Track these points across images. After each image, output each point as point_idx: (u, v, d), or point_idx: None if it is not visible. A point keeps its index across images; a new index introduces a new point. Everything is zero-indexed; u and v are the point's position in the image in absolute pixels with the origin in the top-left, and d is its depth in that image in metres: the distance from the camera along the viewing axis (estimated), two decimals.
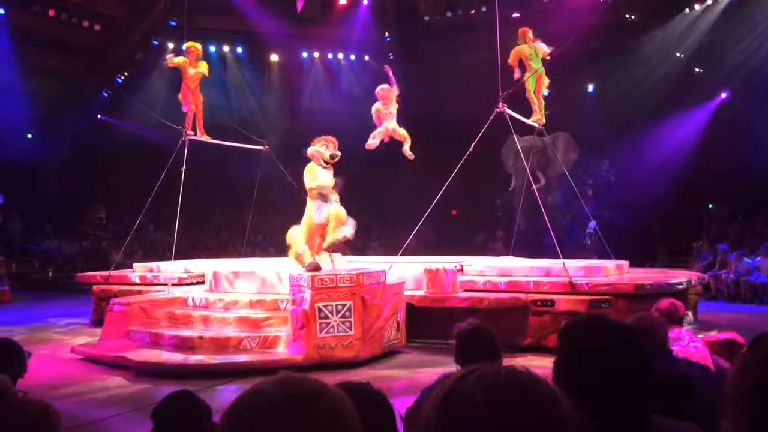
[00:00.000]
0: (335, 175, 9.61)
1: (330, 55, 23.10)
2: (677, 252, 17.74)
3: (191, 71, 12.09)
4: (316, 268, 8.84)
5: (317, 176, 9.29)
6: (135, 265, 13.14)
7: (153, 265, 12.81)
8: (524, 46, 11.28)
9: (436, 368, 7.33)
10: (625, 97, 18.58)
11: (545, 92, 11.58)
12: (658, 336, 3.25)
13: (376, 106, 10.84)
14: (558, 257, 9.96)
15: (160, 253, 17.99)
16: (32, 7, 18.36)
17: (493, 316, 8.57)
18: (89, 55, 20.51)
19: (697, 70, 18.88)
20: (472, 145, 10.78)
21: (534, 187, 14.41)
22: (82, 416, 6.17)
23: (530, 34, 11.34)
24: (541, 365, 6.82)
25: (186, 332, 8.90)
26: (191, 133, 12.18)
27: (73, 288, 15.63)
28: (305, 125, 19.64)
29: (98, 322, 10.96)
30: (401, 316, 9.10)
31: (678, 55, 18.87)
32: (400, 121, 10.87)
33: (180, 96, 12.23)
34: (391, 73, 10.93)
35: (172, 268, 11.90)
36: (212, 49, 21.18)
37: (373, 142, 10.71)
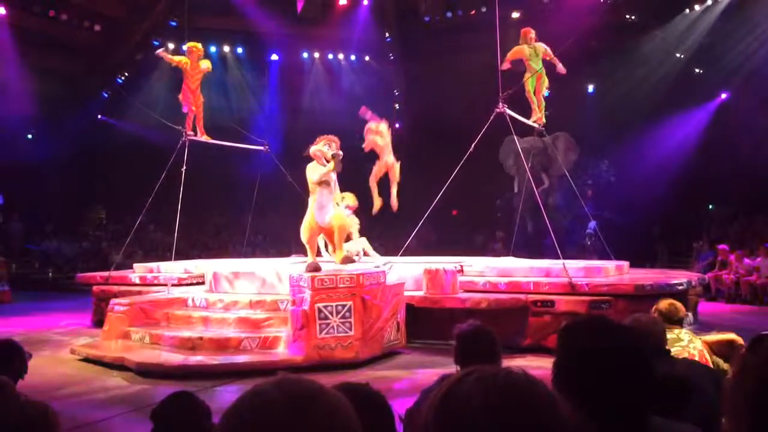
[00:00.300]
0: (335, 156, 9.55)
1: (330, 56, 23.13)
2: (677, 252, 17.75)
3: (202, 65, 12.11)
4: (316, 268, 8.85)
5: (333, 179, 9.36)
6: (135, 265, 13.14)
7: (153, 265, 12.80)
8: (524, 46, 11.27)
9: (435, 369, 7.33)
10: (625, 98, 18.59)
11: (545, 93, 11.57)
12: (656, 336, 3.25)
13: (374, 139, 10.82)
14: (558, 258, 9.96)
15: (160, 253, 18.00)
16: (33, 8, 18.37)
17: (493, 316, 8.57)
18: (90, 55, 20.53)
19: (697, 70, 18.90)
20: (473, 146, 10.78)
21: (539, 189, 14.41)
22: (81, 417, 6.17)
23: (532, 35, 11.33)
24: (541, 366, 6.82)
25: (186, 333, 8.89)
26: (191, 133, 12.18)
27: (73, 288, 15.62)
28: (306, 125, 19.65)
29: (98, 323, 10.96)
30: (401, 316, 9.09)
31: (678, 55, 18.89)
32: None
33: (180, 96, 12.24)
34: (368, 114, 11.03)
35: (172, 269, 11.90)
36: (212, 49, 21.21)
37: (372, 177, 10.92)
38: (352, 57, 23.14)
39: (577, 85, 19.47)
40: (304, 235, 9.37)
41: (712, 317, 10.96)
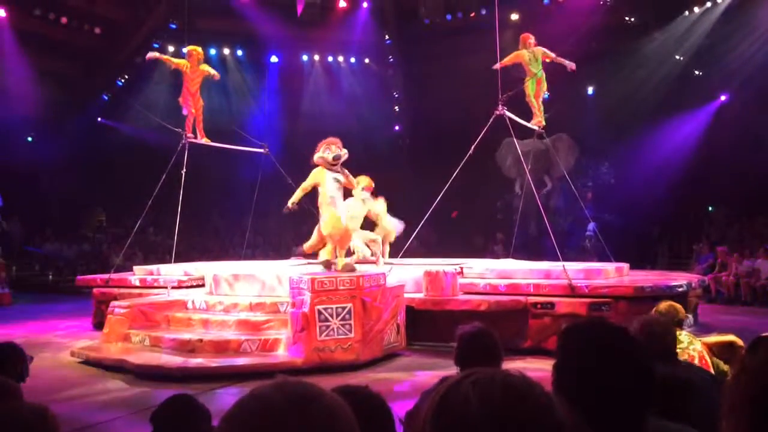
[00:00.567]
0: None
1: (330, 58, 23.14)
2: (677, 254, 17.74)
3: (203, 67, 12.14)
4: (352, 269, 8.98)
5: (326, 181, 9.30)
6: (135, 268, 13.14)
7: (153, 267, 12.81)
8: (524, 51, 11.30)
9: (436, 371, 7.33)
10: (625, 100, 18.59)
11: (544, 96, 11.59)
12: (665, 339, 3.23)
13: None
14: (558, 260, 9.96)
15: (160, 255, 18.00)
16: (33, 11, 18.39)
17: (493, 318, 8.56)
18: (90, 58, 20.54)
19: (696, 72, 18.90)
20: (472, 148, 10.79)
21: (542, 191, 14.39)
22: (81, 419, 6.17)
23: (531, 40, 11.35)
24: (541, 368, 6.82)
25: (186, 335, 8.89)
26: (191, 136, 12.19)
27: (73, 291, 15.61)
28: (305, 128, 19.69)
29: (99, 325, 10.95)
30: (401, 318, 9.09)
31: (678, 57, 18.89)
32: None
33: (180, 99, 12.25)
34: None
35: (172, 271, 11.90)
36: (212, 51, 21.20)
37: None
38: (352, 59, 23.16)
39: (576, 86, 19.48)
40: (330, 230, 9.33)
41: (711, 319, 10.95)
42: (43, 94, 18.95)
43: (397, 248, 11.42)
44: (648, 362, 1.65)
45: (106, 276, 12.67)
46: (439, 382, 1.26)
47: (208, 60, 14.05)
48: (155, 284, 11.72)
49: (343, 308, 8.30)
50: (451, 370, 2.96)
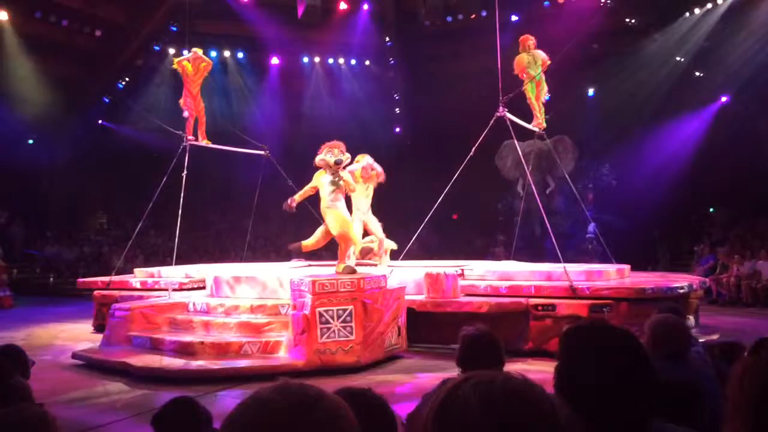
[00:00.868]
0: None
1: (330, 60, 23.16)
2: (678, 256, 17.74)
3: (203, 64, 12.19)
4: (352, 271, 9.05)
5: (324, 184, 9.32)
6: (136, 270, 13.15)
7: (154, 270, 12.82)
8: (523, 55, 11.32)
9: (437, 373, 7.32)
10: (626, 101, 18.60)
11: (545, 98, 11.59)
12: (675, 340, 3.22)
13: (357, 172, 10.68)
14: (559, 261, 9.95)
15: (161, 258, 18.00)
16: (34, 13, 18.42)
17: (494, 320, 8.57)
18: (90, 60, 20.56)
19: (697, 73, 18.90)
20: (473, 149, 10.78)
21: (547, 191, 14.35)
22: (83, 422, 6.17)
23: (530, 43, 11.35)
24: (543, 370, 6.82)
25: (187, 337, 8.89)
26: (192, 138, 12.21)
27: (74, 293, 15.62)
28: (306, 130, 19.71)
29: (100, 328, 10.97)
30: (402, 320, 9.09)
31: (678, 58, 18.89)
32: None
33: (181, 101, 12.27)
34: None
35: (173, 274, 11.90)
36: (213, 54, 21.21)
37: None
38: (353, 61, 23.18)
39: (577, 88, 19.51)
40: (347, 232, 9.44)
41: (713, 321, 10.94)
42: (44, 97, 18.98)
43: (397, 250, 11.42)
44: (650, 365, 1.65)
45: (107, 278, 12.68)
46: (439, 385, 1.26)
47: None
48: (156, 287, 11.72)
49: (344, 310, 8.29)
50: (453, 371, 2.96)
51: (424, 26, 21.63)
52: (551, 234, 10.35)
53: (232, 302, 9.79)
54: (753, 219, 17.19)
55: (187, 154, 11.96)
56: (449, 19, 21.12)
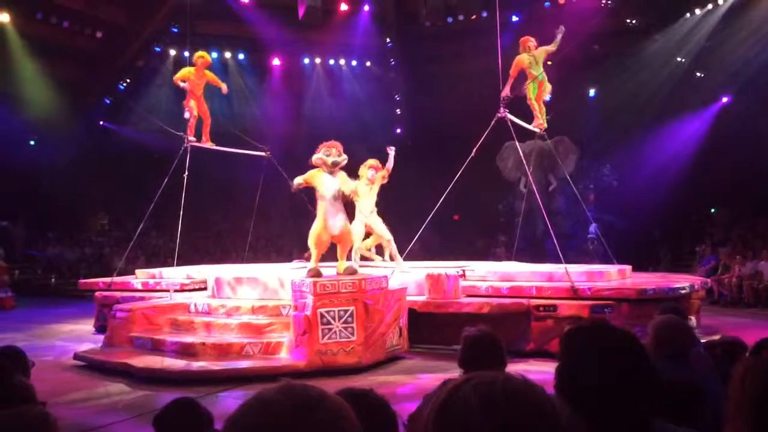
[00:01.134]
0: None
1: (331, 61, 23.17)
2: (680, 256, 17.72)
3: (209, 76, 12.21)
4: (317, 274, 8.84)
5: (320, 182, 9.25)
6: (137, 271, 13.16)
7: (155, 271, 12.83)
8: (523, 56, 11.27)
9: (438, 374, 7.32)
10: (627, 102, 18.59)
11: (546, 98, 11.58)
12: (678, 340, 3.22)
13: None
14: (560, 262, 9.95)
15: (163, 259, 18.01)
16: (35, 15, 18.44)
17: (496, 321, 8.56)
18: (91, 61, 20.58)
19: (698, 74, 18.90)
20: (474, 150, 10.78)
21: (550, 188, 14.30)
22: (84, 423, 6.17)
23: (530, 44, 11.34)
24: (544, 370, 6.81)
25: (188, 338, 8.89)
26: (193, 139, 12.23)
27: (75, 294, 15.64)
28: (307, 131, 19.70)
29: (101, 329, 10.98)
30: (403, 321, 9.09)
31: (679, 59, 18.89)
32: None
33: (185, 102, 12.26)
34: (392, 155, 10.76)
35: (174, 275, 11.91)
36: (214, 55, 21.21)
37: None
38: (353, 62, 23.20)
39: (578, 89, 19.50)
40: (312, 239, 9.34)
41: (714, 321, 10.93)
42: (46, 98, 19.00)
43: (399, 251, 11.41)
44: (651, 366, 1.64)
45: (108, 279, 12.69)
46: (440, 385, 1.26)
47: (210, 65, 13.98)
48: (157, 287, 11.74)
49: (346, 311, 8.29)
50: (454, 372, 2.95)
51: (425, 27, 21.65)
52: (552, 234, 10.35)
53: (234, 303, 9.80)
54: (754, 219, 17.17)
55: (188, 155, 11.97)
56: (450, 19, 21.13)
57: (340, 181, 9.26)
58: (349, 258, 10.18)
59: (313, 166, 9.34)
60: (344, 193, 9.32)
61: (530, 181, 12.32)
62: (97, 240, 21.39)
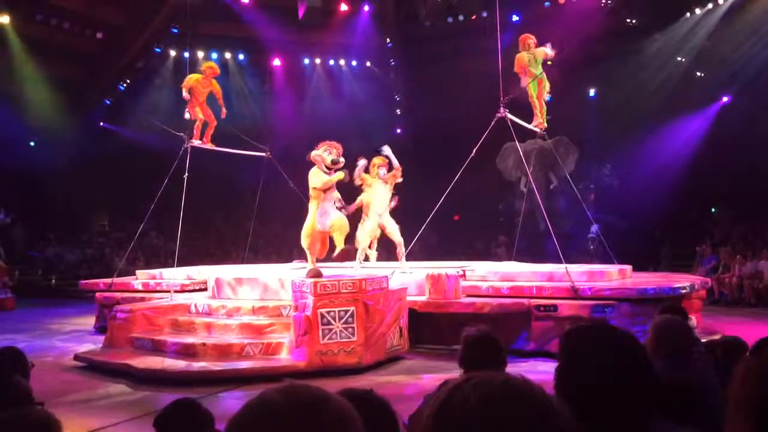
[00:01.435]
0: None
1: (331, 61, 23.17)
2: (680, 256, 17.69)
3: (215, 87, 12.30)
4: (318, 274, 8.85)
5: (321, 180, 9.28)
6: (138, 272, 13.16)
7: (156, 272, 12.83)
8: (523, 54, 11.29)
9: (439, 374, 7.32)
10: (627, 101, 18.58)
11: (547, 97, 11.58)
12: (677, 341, 3.22)
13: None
14: (561, 262, 9.94)
15: (163, 259, 18.01)
16: (35, 16, 18.45)
17: (496, 321, 8.58)
18: (91, 62, 20.60)
19: (698, 73, 18.89)
20: (474, 150, 10.78)
21: (551, 187, 14.27)
22: (85, 424, 6.17)
23: (530, 42, 11.35)
24: (544, 370, 6.82)
25: (189, 339, 8.90)
26: (198, 142, 12.26)
27: (76, 295, 15.64)
28: (307, 131, 19.68)
29: (102, 329, 10.98)
30: (404, 321, 9.09)
31: (679, 59, 18.89)
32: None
33: (188, 107, 12.24)
34: (390, 155, 10.63)
35: (174, 275, 11.91)
36: (214, 55, 21.26)
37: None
38: (353, 62, 23.20)
39: (578, 89, 19.49)
40: (304, 240, 9.36)
41: (715, 321, 10.92)
42: (46, 99, 19.01)
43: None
44: (651, 365, 1.64)
45: (109, 280, 12.70)
46: (440, 386, 1.26)
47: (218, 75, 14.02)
48: (158, 288, 11.75)
49: (346, 311, 8.30)
50: (455, 372, 2.96)
51: (425, 27, 21.65)
52: (553, 234, 10.35)
53: (234, 304, 9.80)
54: (755, 219, 17.15)
55: (188, 156, 11.98)
56: (450, 19, 21.13)
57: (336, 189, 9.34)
58: (351, 258, 10.19)
59: (311, 163, 9.37)
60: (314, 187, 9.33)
61: (530, 180, 12.31)
62: (98, 241, 21.39)
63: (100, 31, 19.92)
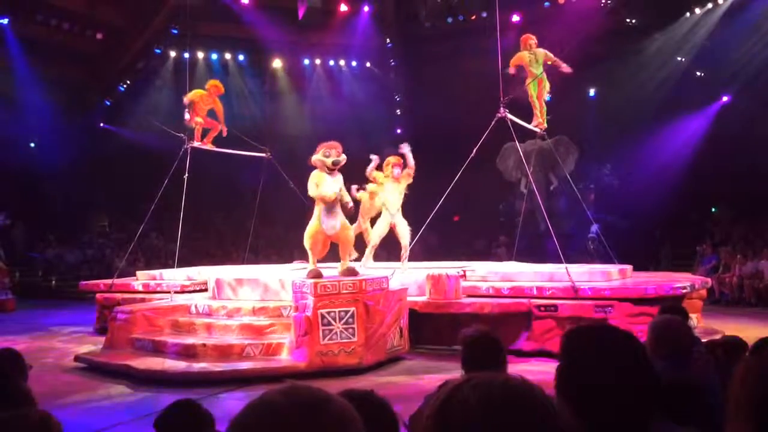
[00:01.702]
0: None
1: (331, 62, 23.17)
2: (680, 256, 17.68)
3: (217, 104, 12.37)
4: (318, 275, 8.84)
5: (322, 183, 9.21)
6: (138, 272, 13.15)
7: (156, 272, 12.82)
8: (524, 53, 11.28)
9: (439, 374, 7.32)
10: (627, 101, 18.59)
11: (547, 97, 11.58)
12: (677, 341, 3.22)
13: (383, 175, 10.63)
14: (561, 262, 9.94)
15: (163, 260, 18.01)
16: (35, 17, 18.45)
17: (497, 321, 8.58)
18: (91, 63, 20.61)
19: (698, 73, 18.89)
20: (474, 150, 10.77)
21: (551, 187, 14.23)
22: (85, 425, 6.17)
23: (531, 42, 11.34)
24: (545, 370, 6.81)
25: (189, 340, 8.90)
26: (200, 144, 12.27)
27: (76, 296, 15.64)
28: (307, 132, 19.71)
29: (102, 330, 10.97)
30: (404, 322, 9.09)
31: (679, 58, 18.89)
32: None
33: (190, 117, 12.22)
34: (408, 153, 10.70)
35: (175, 276, 11.91)
36: (214, 56, 21.29)
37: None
38: (353, 63, 23.20)
39: (578, 89, 19.48)
40: (307, 241, 9.33)
41: (715, 321, 10.92)
42: (46, 100, 19.01)
43: (399, 252, 11.40)
44: (651, 366, 1.64)
45: (109, 281, 12.70)
46: (440, 386, 1.26)
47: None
48: (158, 289, 11.75)
49: (346, 312, 8.30)
50: (456, 373, 2.96)
51: (425, 27, 21.65)
52: (553, 234, 10.34)
53: (234, 304, 9.80)
54: (755, 218, 17.15)
55: (188, 157, 11.98)
56: (450, 20, 21.13)
57: (340, 183, 9.26)
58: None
59: (312, 167, 9.34)
60: (342, 199, 9.31)
61: (531, 181, 12.31)
62: (98, 241, 21.38)
63: (100, 32, 19.91)
